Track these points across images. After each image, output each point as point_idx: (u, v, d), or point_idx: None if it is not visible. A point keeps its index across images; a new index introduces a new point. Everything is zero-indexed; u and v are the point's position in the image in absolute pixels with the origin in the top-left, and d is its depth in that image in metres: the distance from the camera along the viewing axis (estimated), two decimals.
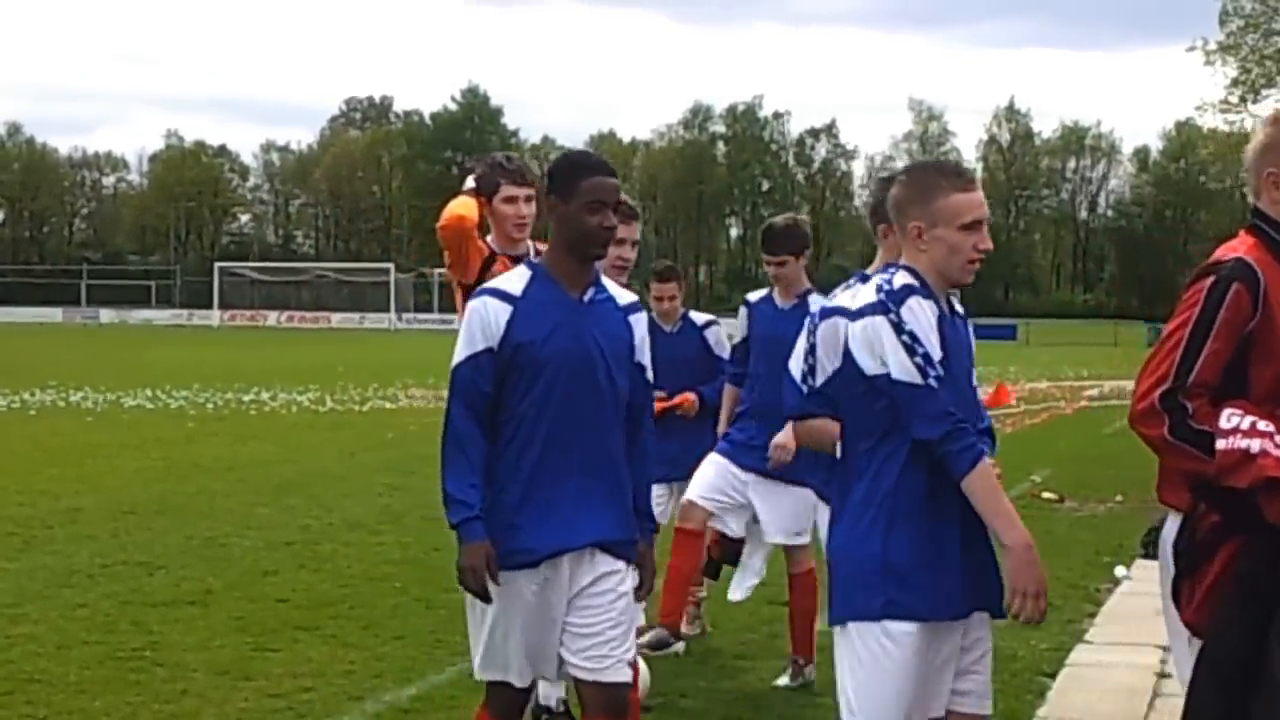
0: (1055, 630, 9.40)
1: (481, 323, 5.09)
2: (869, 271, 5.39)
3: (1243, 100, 61.88)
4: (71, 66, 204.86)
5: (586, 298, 5.18)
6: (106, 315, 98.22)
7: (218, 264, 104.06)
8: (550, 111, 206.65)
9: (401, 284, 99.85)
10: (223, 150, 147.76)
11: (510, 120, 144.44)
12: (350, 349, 56.67)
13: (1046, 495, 15.62)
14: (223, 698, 7.73)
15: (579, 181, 5.16)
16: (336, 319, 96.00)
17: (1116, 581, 11.06)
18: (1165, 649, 8.39)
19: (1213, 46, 60.59)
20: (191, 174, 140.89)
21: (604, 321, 5.19)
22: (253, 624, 9.37)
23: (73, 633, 9.09)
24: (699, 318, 9.21)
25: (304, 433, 22.68)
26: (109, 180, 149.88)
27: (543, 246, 6.38)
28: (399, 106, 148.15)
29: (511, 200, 6.84)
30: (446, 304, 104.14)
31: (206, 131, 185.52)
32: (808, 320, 5.01)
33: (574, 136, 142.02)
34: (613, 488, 5.17)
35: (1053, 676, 8.30)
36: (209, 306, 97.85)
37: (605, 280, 5.31)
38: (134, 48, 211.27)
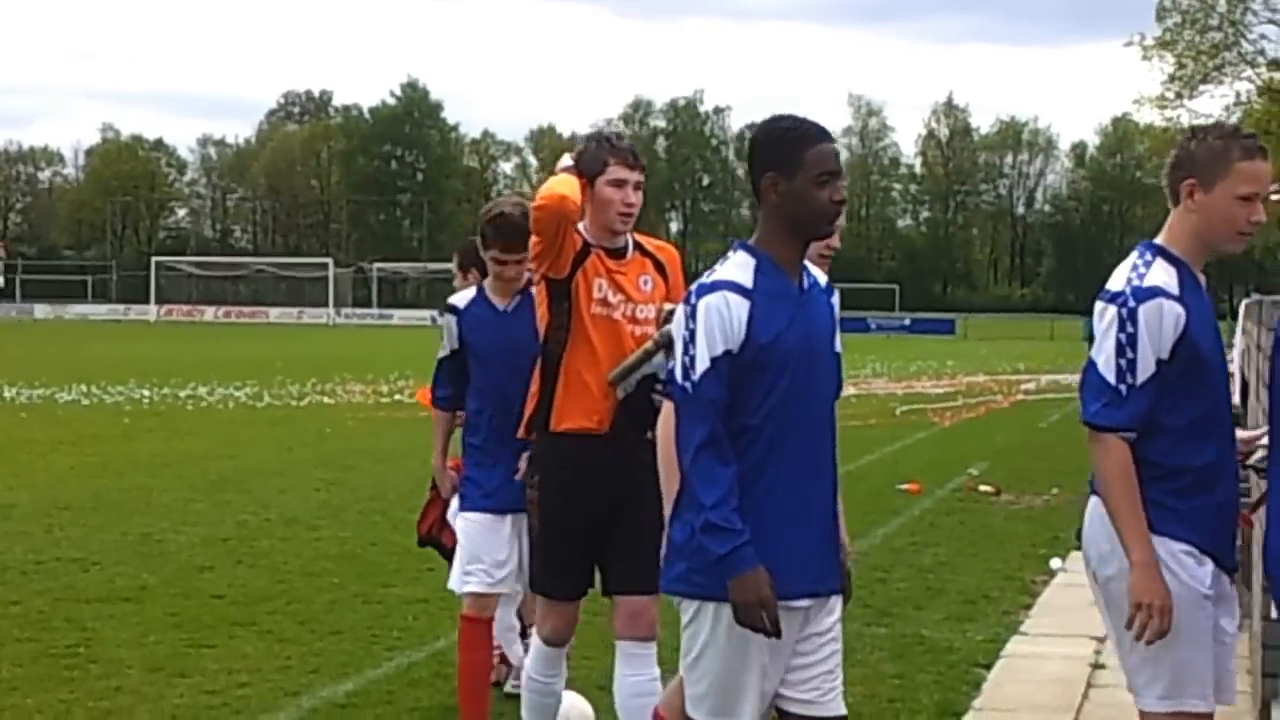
0: (991, 622, 9.46)
1: (722, 321, 4.41)
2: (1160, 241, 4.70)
3: (1179, 96, 62.53)
4: (8, 60, 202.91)
5: (805, 285, 4.62)
6: (41, 310, 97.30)
7: (155, 258, 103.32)
8: (491, 106, 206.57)
9: (340, 279, 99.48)
10: (159, 144, 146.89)
11: (450, 114, 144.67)
12: (288, 344, 56.34)
13: (983, 488, 15.69)
14: (158, 694, 7.67)
15: (803, 152, 4.48)
16: (275, 314, 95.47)
17: (1052, 573, 11.12)
18: (1100, 639, 8.49)
19: (1150, 42, 61.33)
20: (128, 168, 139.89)
21: (821, 311, 4.66)
22: (188, 620, 9.30)
23: (5, 630, 9.00)
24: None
25: (241, 428, 22.53)
26: (44, 175, 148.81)
27: (644, 239, 6.19)
28: (338, 100, 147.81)
29: (620, 184, 5.97)
30: (386, 298, 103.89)
31: (144, 125, 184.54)
32: (1110, 310, 4.51)
33: (514, 130, 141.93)
34: (835, 508, 4.68)
35: (988, 668, 8.35)
36: (146, 301, 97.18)
37: (806, 261, 4.70)
38: (71, 41, 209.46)
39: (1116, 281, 4.53)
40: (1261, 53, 61.83)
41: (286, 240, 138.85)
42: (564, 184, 5.87)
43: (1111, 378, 4.46)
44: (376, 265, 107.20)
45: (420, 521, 7.79)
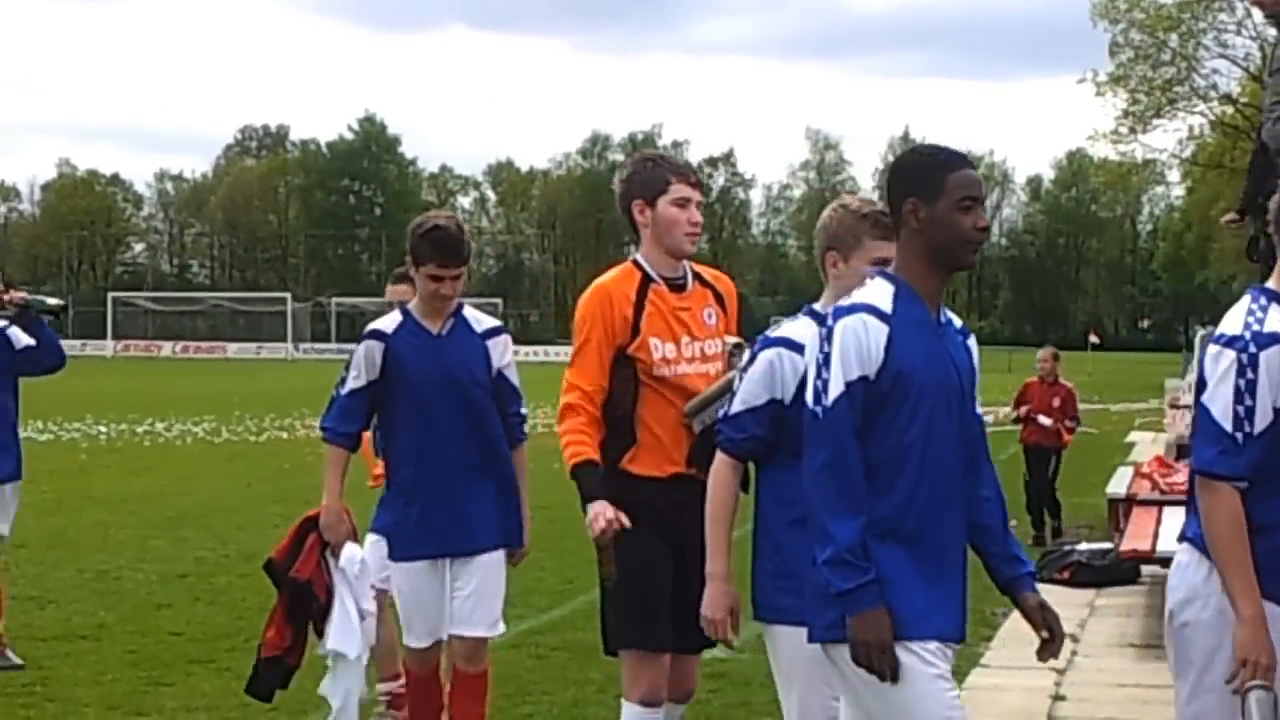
0: None
1: (858, 344, 4.28)
2: None
3: (1133, 130, 62.96)
4: None
5: (942, 320, 4.50)
6: None
7: (111, 294, 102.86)
8: (448, 140, 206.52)
9: (299, 313, 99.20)
10: (116, 179, 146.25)
11: (408, 149, 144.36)
12: (247, 379, 56.15)
13: None
14: None
15: (945, 176, 4.37)
16: (233, 349, 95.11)
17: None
18: (1060, 672, 8.51)
19: (1103, 78, 61.72)
20: (84, 203, 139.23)
21: (959, 349, 4.54)
22: (146, 658, 9.25)
23: None
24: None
25: (199, 464, 22.44)
26: (0, 210, 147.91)
27: (701, 268, 5.92)
28: (295, 135, 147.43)
29: (684, 203, 5.74)
30: (344, 333, 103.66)
31: (100, 160, 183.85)
32: (1227, 354, 4.33)
33: (472, 164, 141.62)
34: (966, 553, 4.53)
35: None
36: (103, 337, 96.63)
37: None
38: (26, 76, 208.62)
39: (1233, 325, 4.36)
40: (1214, 87, 62.31)
41: (244, 275, 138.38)
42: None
43: (1228, 425, 4.28)
44: (335, 299, 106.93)
45: (285, 551, 6.68)
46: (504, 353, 6.64)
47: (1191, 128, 64.85)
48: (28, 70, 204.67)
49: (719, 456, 4.95)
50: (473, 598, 6.40)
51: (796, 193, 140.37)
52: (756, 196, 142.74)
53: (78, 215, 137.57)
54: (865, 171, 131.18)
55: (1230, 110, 61.33)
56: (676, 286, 5.79)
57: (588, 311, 5.73)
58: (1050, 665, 8.62)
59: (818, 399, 4.31)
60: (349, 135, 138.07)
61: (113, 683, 8.64)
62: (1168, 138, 65.41)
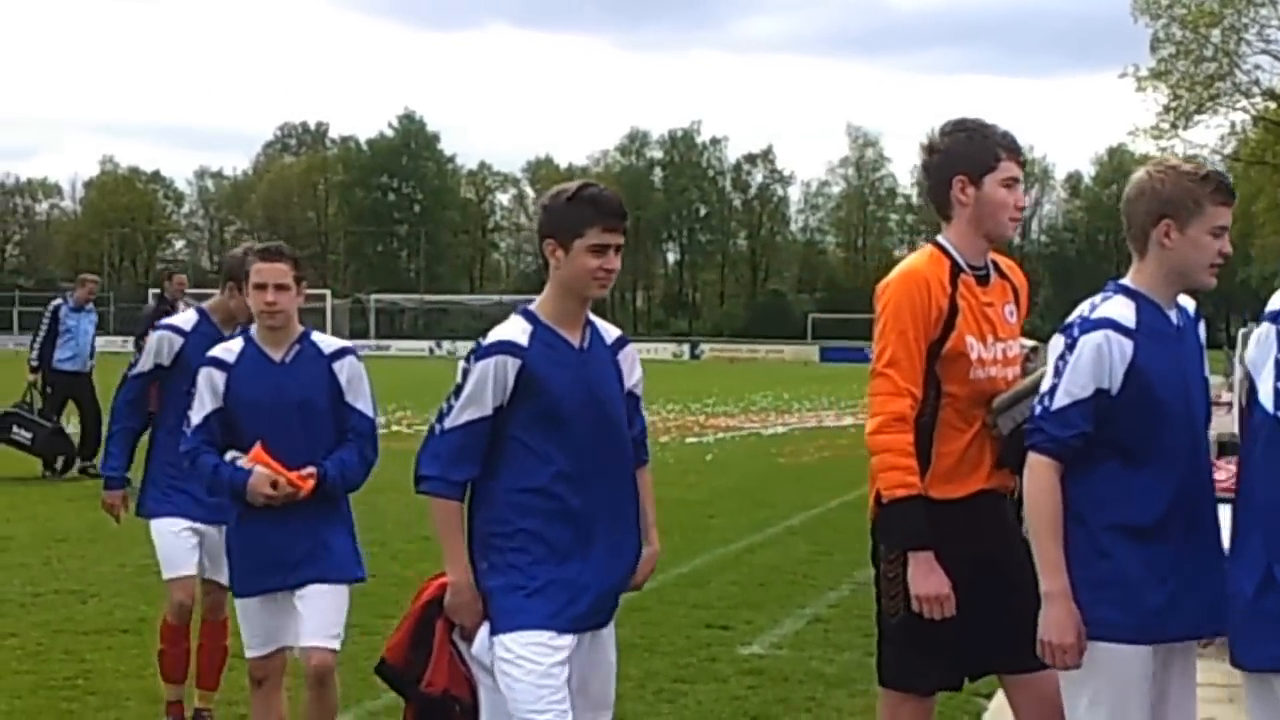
0: None
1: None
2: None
3: (1174, 126, 62.70)
4: (7, 93, 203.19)
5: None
6: None
7: (152, 290, 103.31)
8: (487, 137, 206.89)
9: (338, 310, 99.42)
10: (157, 176, 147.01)
11: (447, 146, 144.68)
12: None
13: None
14: None
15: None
16: None
17: None
18: None
19: (1144, 73, 61.54)
20: (125, 200, 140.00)
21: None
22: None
23: (4, 662, 8.99)
24: (328, 342, 6.66)
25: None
26: (42, 207, 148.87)
27: (996, 256, 5.39)
28: (335, 132, 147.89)
29: (1011, 184, 5.21)
30: (383, 329, 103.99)
31: (141, 158, 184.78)
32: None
33: (511, 162, 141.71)
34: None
35: (988, 697, 8.31)
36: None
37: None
38: (70, 74, 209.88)
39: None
40: (1256, 83, 62.10)
41: None
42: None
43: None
44: (374, 296, 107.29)
45: (403, 649, 5.26)
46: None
47: (1233, 124, 64.63)
48: (72, 68, 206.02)
49: (1038, 459, 4.56)
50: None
51: (835, 190, 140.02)
52: (795, 193, 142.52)
53: (119, 212, 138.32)
54: (905, 168, 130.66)
55: (1273, 106, 61.10)
56: (981, 278, 5.21)
57: (904, 299, 5.06)
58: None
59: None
60: (389, 132, 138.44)
61: (154, 676, 8.63)
62: (1209, 134, 65.33)
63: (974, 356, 5.07)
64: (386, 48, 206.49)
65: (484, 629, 5.01)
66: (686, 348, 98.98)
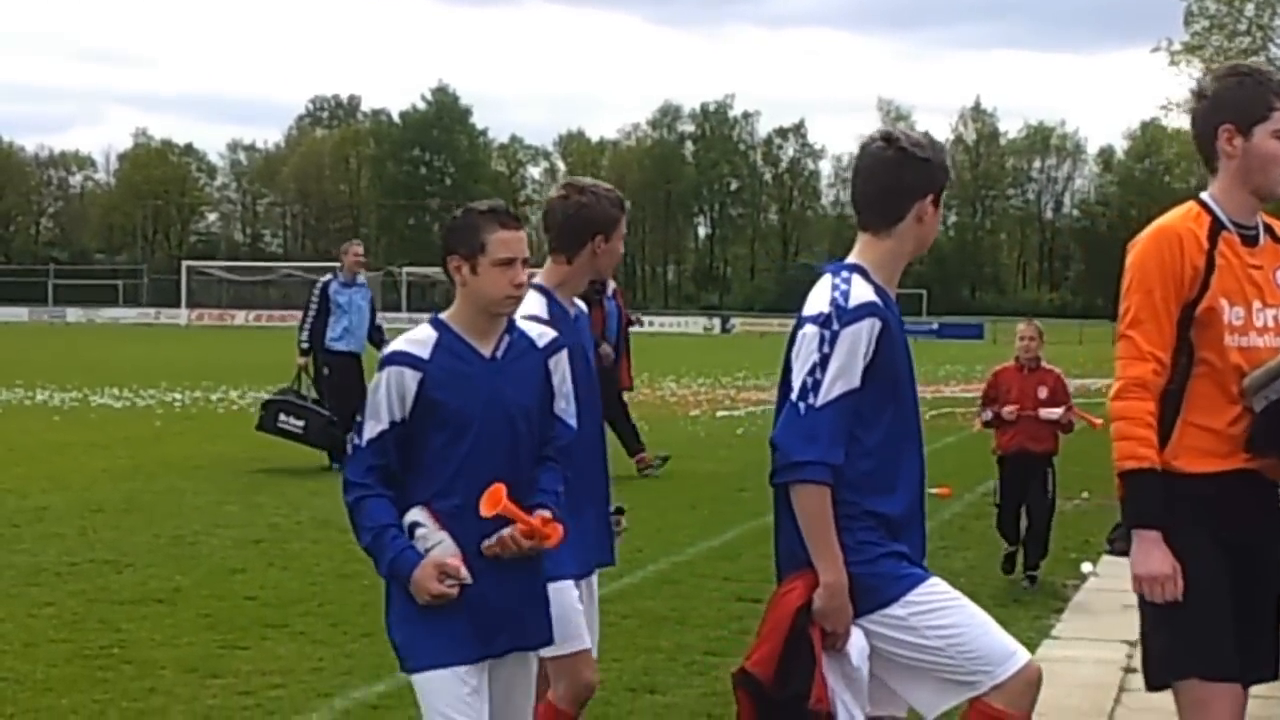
0: (1023, 626, 9.44)
1: None
2: None
3: None
4: (41, 66, 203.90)
5: None
6: (73, 314, 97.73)
7: (185, 263, 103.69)
8: (519, 110, 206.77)
9: (370, 283, 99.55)
10: (190, 149, 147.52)
11: (479, 119, 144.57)
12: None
13: None
14: (191, 695, 7.71)
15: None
16: None
17: (1083, 578, 11.11)
18: (1132, 644, 8.46)
19: (1177, 47, 61.04)
20: (159, 173, 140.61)
21: None
22: (221, 621, 9.35)
23: (40, 631, 9.05)
24: (537, 331, 5.14)
25: None
26: (76, 179, 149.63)
27: (1269, 218, 4.92)
28: (367, 105, 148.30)
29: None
30: (415, 302, 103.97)
31: (174, 130, 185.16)
32: None
33: (542, 135, 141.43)
34: None
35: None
36: (176, 305, 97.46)
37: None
38: (104, 47, 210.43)
39: None
40: None
41: (316, 245, 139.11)
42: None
43: None
44: (406, 269, 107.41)
45: (773, 661, 4.68)
46: None
47: None
48: (106, 41, 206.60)
49: None
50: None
51: None
52: (826, 167, 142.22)
53: (152, 185, 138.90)
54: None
55: None
56: (1249, 239, 4.74)
57: (1151, 256, 4.70)
58: (1122, 638, 8.62)
59: None
60: (421, 105, 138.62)
61: (188, 645, 8.74)
62: None
63: (1231, 321, 4.65)
64: (419, 21, 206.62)
65: (857, 635, 4.62)
66: (717, 321, 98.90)
